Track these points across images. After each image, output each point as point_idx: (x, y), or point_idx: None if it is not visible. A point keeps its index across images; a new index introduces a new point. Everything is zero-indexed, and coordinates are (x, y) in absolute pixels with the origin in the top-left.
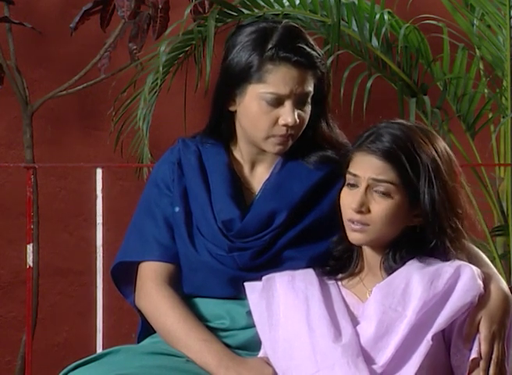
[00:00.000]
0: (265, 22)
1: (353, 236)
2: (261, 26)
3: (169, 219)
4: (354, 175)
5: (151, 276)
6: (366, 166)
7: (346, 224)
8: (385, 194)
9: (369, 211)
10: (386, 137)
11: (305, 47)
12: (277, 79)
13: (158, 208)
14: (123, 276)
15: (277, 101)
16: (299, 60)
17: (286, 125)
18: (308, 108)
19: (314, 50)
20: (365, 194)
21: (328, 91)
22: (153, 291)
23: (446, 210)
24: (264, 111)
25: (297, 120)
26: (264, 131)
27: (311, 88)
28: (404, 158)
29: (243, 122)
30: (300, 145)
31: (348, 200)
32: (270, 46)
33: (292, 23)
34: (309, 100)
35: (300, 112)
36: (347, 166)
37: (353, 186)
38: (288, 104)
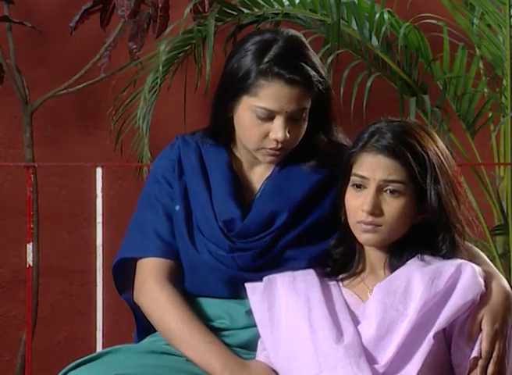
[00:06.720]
0: (271, 32)
1: (365, 237)
2: (265, 36)
3: (171, 216)
4: (362, 177)
5: (153, 272)
6: (374, 167)
7: (356, 226)
8: (396, 194)
9: (381, 211)
10: (390, 135)
11: (303, 64)
12: (268, 94)
13: (159, 205)
14: (122, 273)
15: (268, 116)
16: (292, 78)
17: (276, 140)
18: (303, 122)
19: (312, 67)
20: (376, 196)
21: (328, 107)
22: (155, 289)
23: (453, 205)
24: (255, 123)
25: (287, 136)
26: (254, 143)
27: (306, 105)
28: (411, 154)
29: (237, 130)
30: (298, 149)
31: (357, 202)
32: (266, 60)
33: (296, 34)
34: (305, 115)
35: (293, 127)
36: (351, 168)
37: (360, 187)
38: (279, 119)
